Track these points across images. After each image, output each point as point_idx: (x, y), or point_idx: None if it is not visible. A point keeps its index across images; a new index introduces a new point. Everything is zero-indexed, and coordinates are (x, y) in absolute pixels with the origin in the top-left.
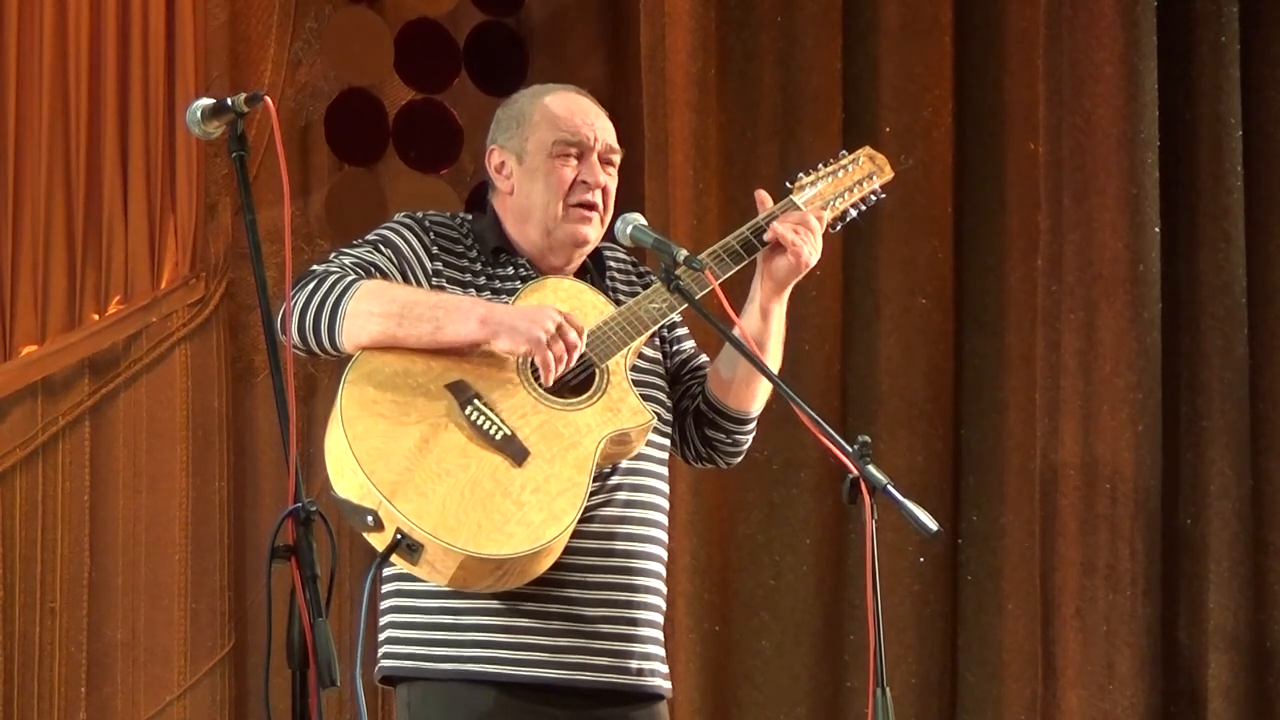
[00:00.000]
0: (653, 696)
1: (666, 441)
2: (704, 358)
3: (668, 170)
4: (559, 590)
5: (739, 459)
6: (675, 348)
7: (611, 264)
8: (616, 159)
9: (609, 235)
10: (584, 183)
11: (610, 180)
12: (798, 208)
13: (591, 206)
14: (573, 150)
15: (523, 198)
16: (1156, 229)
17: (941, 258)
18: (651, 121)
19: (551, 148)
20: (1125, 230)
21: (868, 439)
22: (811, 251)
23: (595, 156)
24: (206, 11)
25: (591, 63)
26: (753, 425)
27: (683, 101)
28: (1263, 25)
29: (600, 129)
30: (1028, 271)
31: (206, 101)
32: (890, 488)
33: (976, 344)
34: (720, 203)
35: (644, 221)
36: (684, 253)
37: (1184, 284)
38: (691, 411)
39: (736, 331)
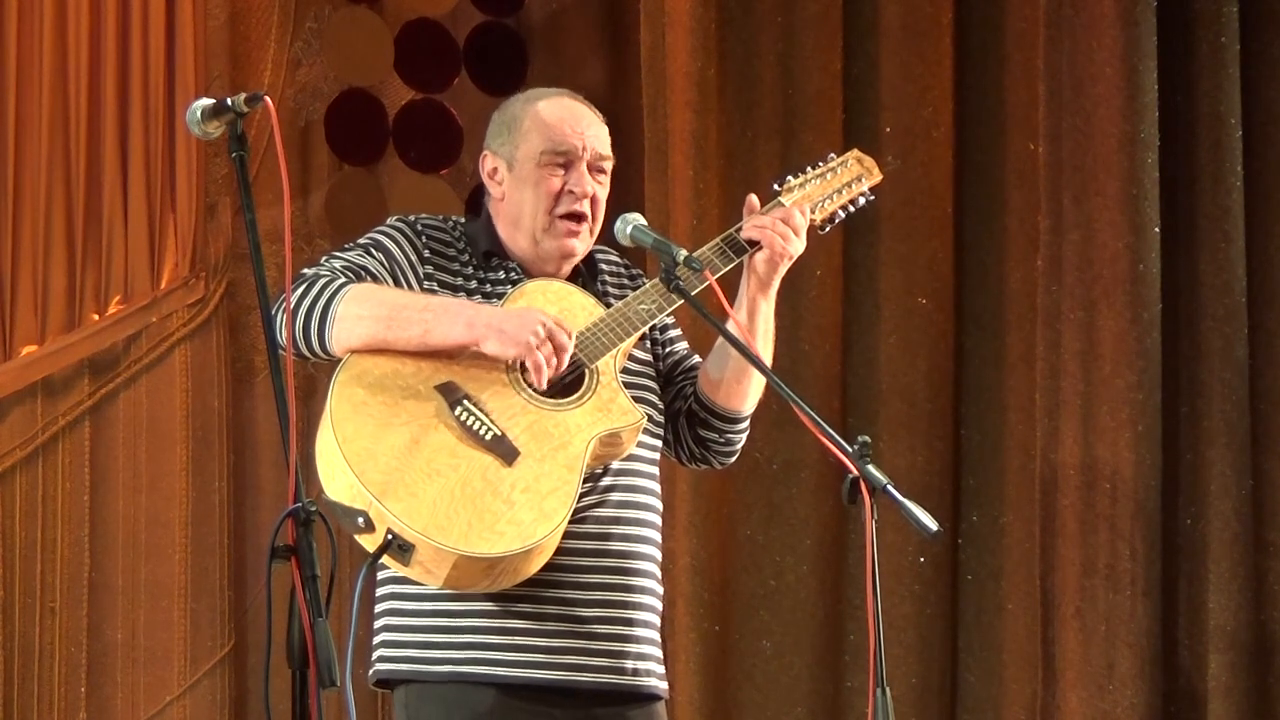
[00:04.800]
0: (649, 697)
1: (658, 442)
2: (696, 358)
3: (668, 170)
4: (554, 591)
5: (733, 459)
6: (668, 349)
7: (604, 267)
8: (608, 166)
9: (607, 237)
10: (571, 192)
11: (600, 188)
12: (783, 207)
13: (579, 218)
14: (560, 160)
15: (512, 205)
16: (1156, 229)
17: (941, 258)
18: (651, 122)
19: (540, 157)
20: (1125, 230)
21: (868, 439)
22: (785, 244)
23: (584, 165)
24: (206, 11)
25: (591, 63)
26: (745, 424)
27: (683, 102)
28: (1263, 25)
29: (590, 137)
30: (1028, 272)
31: (206, 102)
32: (890, 488)
33: (976, 344)
34: (720, 203)
35: (644, 221)
36: (683, 253)
37: (1184, 284)
38: (684, 412)
39: (736, 331)
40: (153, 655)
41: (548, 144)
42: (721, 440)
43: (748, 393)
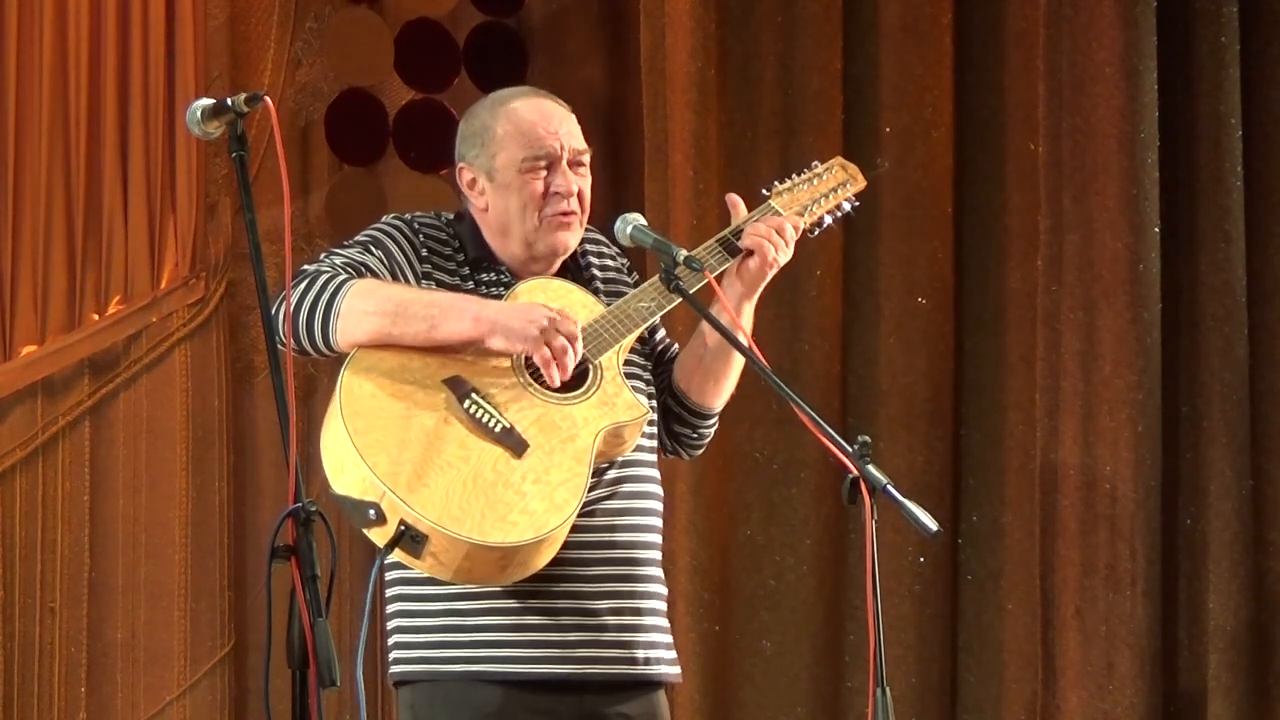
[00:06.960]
0: (654, 684)
1: (655, 432)
2: (676, 347)
3: (668, 170)
4: (566, 585)
5: (701, 452)
6: (655, 334)
7: (592, 260)
8: (586, 158)
9: (605, 234)
10: (556, 193)
11: (583, 181)
12: (777, 212)
13: (569, 213)
14: (541, 163)
15: (498, 215)
16: (1156, 229)
17: (941, 258)
18: (651, 121)
19: (520, 164)
20: (1125, 230)
21: (868, 439)
22: (778, 253)
23: (564, 164)
24: (206, 11)
25: (591, 63)
26: (716, 419)
27: (683, 102)
28: (1263, 25)
29: (565, 134)
30: (1028, 272)
31: (206, 102)
32: (890, 488)
33: (976, 344)
34: (720, 203)
35: (644, 221)
36: (683, 253)
37: (1184, 284)
38: (661, 404)
39: (739, 333)
40: (153, 655)
41: (526, 150)
42: (694, 435)
43: (724, 391)
